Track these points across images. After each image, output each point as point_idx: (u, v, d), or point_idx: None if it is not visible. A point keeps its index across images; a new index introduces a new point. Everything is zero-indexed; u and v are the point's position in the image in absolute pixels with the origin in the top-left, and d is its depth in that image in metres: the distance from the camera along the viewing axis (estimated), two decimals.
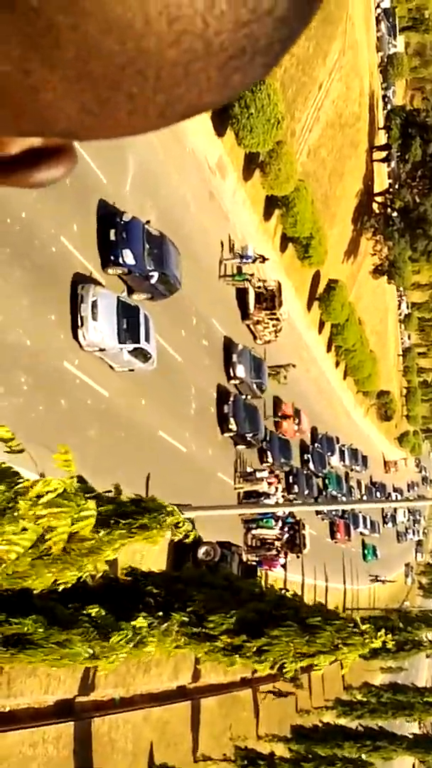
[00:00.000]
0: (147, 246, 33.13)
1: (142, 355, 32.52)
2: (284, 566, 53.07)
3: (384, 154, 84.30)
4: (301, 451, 64.74)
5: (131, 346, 31.64)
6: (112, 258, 31.94)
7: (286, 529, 51.72)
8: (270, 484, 48.80)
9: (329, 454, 73.38)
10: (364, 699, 55.69)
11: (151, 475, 33.31)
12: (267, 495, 48.20)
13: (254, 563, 47.62)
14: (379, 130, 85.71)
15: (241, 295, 49.23)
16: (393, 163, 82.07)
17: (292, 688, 48.70)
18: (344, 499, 77.23)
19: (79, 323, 29.24)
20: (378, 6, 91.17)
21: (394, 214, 79.62)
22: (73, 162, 0.96)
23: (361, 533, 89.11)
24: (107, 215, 31.71)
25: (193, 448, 40.00)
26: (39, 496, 12.50)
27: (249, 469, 48.68)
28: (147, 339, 32.49)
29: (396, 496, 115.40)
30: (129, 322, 31.58)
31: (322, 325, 72.18)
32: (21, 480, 12.72)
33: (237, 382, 46.52)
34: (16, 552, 12.42)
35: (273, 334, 51.82)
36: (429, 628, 64.66)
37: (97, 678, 29.55)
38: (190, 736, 38.21)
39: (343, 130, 71.15)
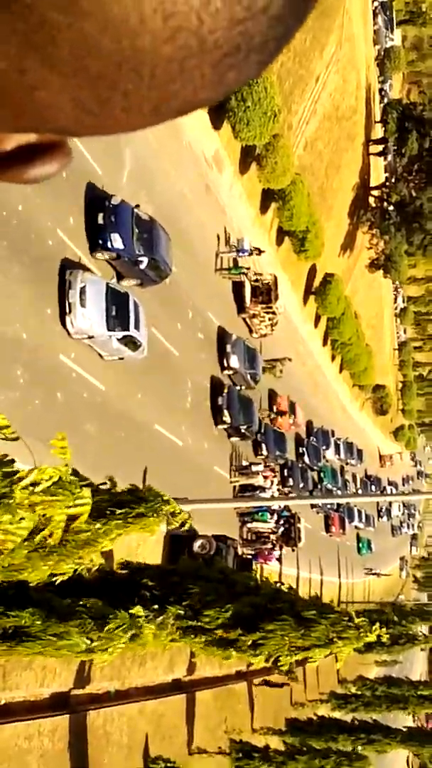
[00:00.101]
0: (136, 230, 32.30)
1: (132, 343, 31.79)
2: (279, 559, 53.15)
3: (380, 147, 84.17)
4: (296, 444, 64.80)
5: (120, 334, 30.89)
6: (100, 242, 31.19)
7: (281, 522, 51.81)
8: (265, 477, 48.84)
9: (324, 447, 73.41)
10: (359, 692, 55.91)
11: (147, 468, 33.33)
12: (262, 488, 48.24)
13: (249, 557, 47.71)
14: (376, 124, 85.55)
15: (237, 288, 49.19)
16: (389, 157, 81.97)
17: (285, 678, 48.80)
18: (339, 492, 77.29)
19: (67, 310, 28.56)
20: None
21: (391, 207, 79.55)
22: (68, 158, 0.96)
23: (356, 527, 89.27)
24: (96, 199, 31.10)
25: (189, 442, 40.03)
26: (34, 485, 12.51)
27: (245, 463, 48.70)
28: (137, 327, 31.75)
29: (391, 489, 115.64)
30: (118, 309, 30.87)
31: (318, 318, 72.16)
32: (16, 471, 12.74)
33: (231, 372, 46.25)
34: (13, 542, 12.41)
35: (269, 328, 51.79)
36: (423, 621, 64.87)
37: (93, 671, 29.60)
38: (185, 729, 38.29)
39: (339, 123, 71.04)
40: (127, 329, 31.09)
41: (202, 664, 39.82)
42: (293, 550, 54.97)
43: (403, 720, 59.30)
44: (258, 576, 38.56)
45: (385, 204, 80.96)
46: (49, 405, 27.18)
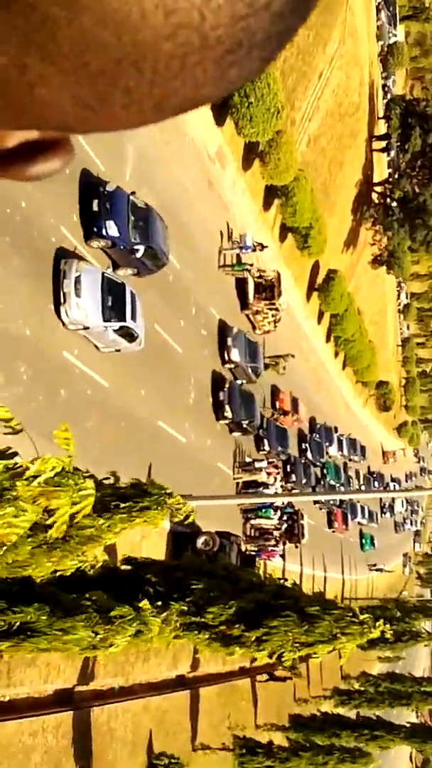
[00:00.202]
0: (132, 218, 31.43)
1: (129, 335, 30.96)
2: (283, 556, 53.16)
3: (384, 143, 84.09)
4: (299, 440, 64.75)
5: (117, 325, 30.04)
6: (95, 230, 30.23)
7: (284, 519, 51.80)
8: (269, 474, 48.82)
9: (327, 444, 73.39)
10: (362, 688, 55.92)
11: (151, 465, 33.31)
12: (266, 485, 48.23)
13: (253, 553, 47.71)
14: (379, 120, 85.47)
15: (241, 285, 49.15)
16: (392, 153, 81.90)
17: (288, 673, 48.84)
18: (342, 489, 77.29)
19: (62, 300, 27.80)
20: None
21: (394, 204, 79.46)
22: (70, 155, 0.96)
23: (359, 523, 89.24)
24: (90, 185, 30.36)
25: (192, 438, 40.02)
26: (36, 476, 12.51)
27: (248, 459, 48.68)
28: (133, 317, 30.91)
29: (394, 486, 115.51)
30: (114, 300, 29.98)
31: (321, 315, 72.12)
32: (19, 464, 12.74)
33: (232, 366, 45.90)
34: (16, 534, 12.41)
35: (272, 324, 51.74)
36: (426, 617, 64.95)
37: (96, 667, 29.64)
38: (189, 725, 38.32)
39: (342, 119, 70.96)
40: (124, 320, 30.30)
41: (206, 661, 39.84)
42: (296, 547, 54.97)
43: (406, 716, 59.37)
44: (261, 572, 38.59)
45: (388, 200, 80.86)
46: (52, 401, 27.18)
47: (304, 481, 60.51)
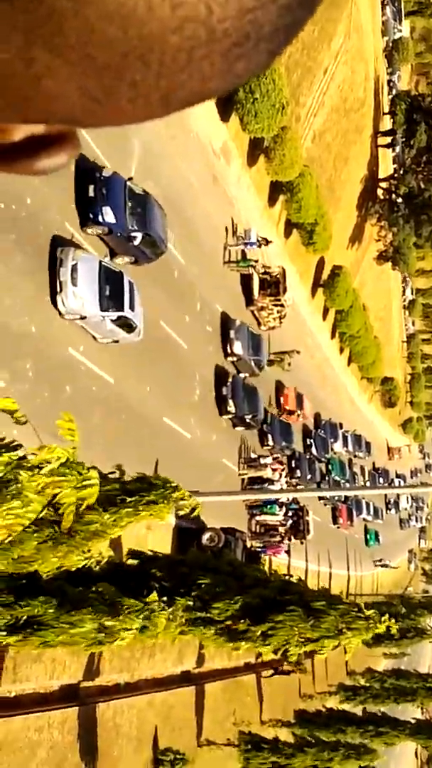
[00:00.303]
0: (129, 204, 30.60)
1: (127, 325, 30.19)
2: (288, 552, 53.18)
3: (389, 139, 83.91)
4: (304, 435, 64.70)
5: (114, 315, 29.28)
6: (90, 216, 29.43)
7: (290, 515, 51.81)
8: (274, 470, 48.81)
9: (332, 440, 73.37)
10: (367, 684, 55.93)
11: (156, 461, 33.34)
12: (271, 481, 48.23)
13: (258, 549, 47.73)
14: (384, 116, 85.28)
15: (246, 281, 49.10)
16: (398, 149, 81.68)
17: (292, 666, 48.87)
18: (347, 485, 77.29)
19: (58, 288, 27.16)
20: None
21: (399, 199, 79.33)
22: (76, 149, 0.95)
23: (364, 519, 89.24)
24: (86, 170, 29.75)
25: (197, 434, 40.03)
26: (40, 467, 12.51)
27: (253, 455, 48.67)
28: (132, 307, 30.09)
29: (399, 482, 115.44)
30: (112, 289, 29.18)
31: (326, 311, 72.07)
32: (23, 455, 12.76)
33: (234, 359, 45.60)
34: (21, 524, 12.40)
35: (277, 321, 51.68)
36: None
37: (102, 663, 29.69)
38: (195, 721, 38.37)
39: (348, 115, 70.83)
40: (122, 310, 29.54)
41: (211, 656, 39.89)
42: (302, 543, 54.98)
43: (411, 712, 59.39)
44: (267, 569, 38.60)
45: (394, 196, 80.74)
46: (57, 398, 27.18)
47: (308, 476, 60.47)
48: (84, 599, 16.10)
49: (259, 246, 47.13)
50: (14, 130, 0.90)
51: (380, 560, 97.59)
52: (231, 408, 43.90)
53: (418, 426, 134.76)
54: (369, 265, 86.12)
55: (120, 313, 29.56)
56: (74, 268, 27.29)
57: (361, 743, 41.27)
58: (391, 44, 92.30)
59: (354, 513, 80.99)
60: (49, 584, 15.61)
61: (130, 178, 31.38)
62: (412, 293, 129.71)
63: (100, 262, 29.20)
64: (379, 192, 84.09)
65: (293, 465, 57.68)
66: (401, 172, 79.95)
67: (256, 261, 48.08)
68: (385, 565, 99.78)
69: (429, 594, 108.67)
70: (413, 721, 46.75)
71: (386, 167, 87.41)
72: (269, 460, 48.93)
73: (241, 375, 46.56)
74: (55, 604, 15.53)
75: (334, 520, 74.96)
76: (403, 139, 76.97)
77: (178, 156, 38.97)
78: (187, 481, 30.64)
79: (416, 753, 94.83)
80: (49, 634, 15.52)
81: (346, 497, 78.29)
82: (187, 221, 39.37)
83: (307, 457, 62.81)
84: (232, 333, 44.79)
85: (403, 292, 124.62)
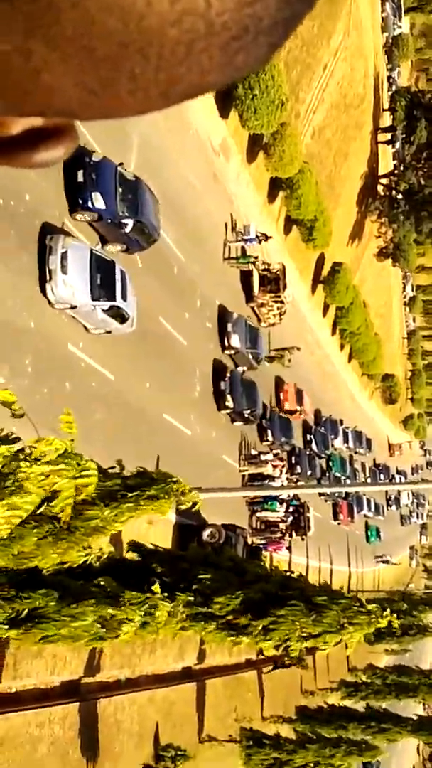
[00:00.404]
0: (119, 190, 29.78)
1: (119, 315, 29.41)
2: (289, 548, 53.17)
3: (389, 135, 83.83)
4: (304, 431, 64.67)
5: (106, 304, 28.45)
6: (80, 202, 28.62)
7: (290, 511, 51.80)
8: (275, 467, 48.80)
9: (333, 436, 73.34)
10: (369, 680, 55.98)
11: (156, 457, 33.32)
12: (272, 478, 48.21)
13: (259, 546, 47.73)
14: (384, 112, 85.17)
15: (246, 277, 49.04)
16: (398, 145, 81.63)
17: (293, 661, 48.80)
18: (348, 481, 77.28)
19: (47, 277, 26.40)
20: None
21: (399, 196, 79.29)
22: (75, 142, 0.95)
23: (365, 516, 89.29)
24: (75, 155, 28.36)
25: (197, 431, 40.02)
26: (38, 459, 12.50)
27: (253, 452, 48.65)
28: (124, 297, 29.31)
29: (400, 478, 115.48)
30: (103, 278, 28.36)
31: (326, 307, 72.03)
32: (21, 447, 12.75)
33: (232, 352, 45.17)
34: (20, 516, 12.38)
35: (277, 317, 51.64)
36: None
37: (103, 659, 29.70)
38: (196, 717, 38.38)
39: (347, 111, 70.75)
40: (113, 299, 28.73)
41: (212, 653, 39.90)
42: (303, 539, 54.97)
43: (413, 708, 59.37)
44: (268, 565, 38.61)
45: (394, 192, 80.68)
46: (57, 394, 27.15)
47: (309, 472, 60.44)
48: (86, 592, 16.10)
49: (259, 242, 47.09)
50: (12, 124, 0.89)
51: (381, 556, 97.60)
52: (229, 403, 43.48)
53: (418, 422, 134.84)
54: (369, 261, 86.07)
55: (112, 303, 28.79)
56: (64, 256, 26.58)
57: (362, 740, 41.26)
58: (390, 40, 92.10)
59: (355, 509, 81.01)
60: (51, 578, 15.61)
61: (121, 164, 30.61)
62: (412, 290, 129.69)
63: (91, 250, 28.50)
64: (379, 188, 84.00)
65: (293, 461, 57.63)
66: (401, 168, 79.91)
67: (256, 257, 48.03)
68: (386, 561, 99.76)
69: (430, 590, 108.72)
70: (415, 718, 46.75)
71: (386, 163, 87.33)
72: (270, 456, 48.92)
73: (239, 369, 46.21)
74: (57, 597, 15.53)
75: (335, 517, 74.98)
76: (403, 136, 76.92)
77: (178, 153, 38.92)
78: (187, 478, 30.61)
79: (418, 749, 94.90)
80: (50, 627, 15.52)
81: (347, 494, 78.29)
82: (186, 218, 39.36)
83: (308, 453, 62.77)
84: (229, 326, 44.42)
85: (404, 288, 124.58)
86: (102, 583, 16.31)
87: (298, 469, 58.12)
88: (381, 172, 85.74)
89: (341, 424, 78.90)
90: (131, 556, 19.22)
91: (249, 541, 44.95)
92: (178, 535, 36.44)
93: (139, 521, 20.57)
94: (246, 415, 46.08)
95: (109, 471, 14.69)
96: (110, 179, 29.52)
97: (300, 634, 17.82)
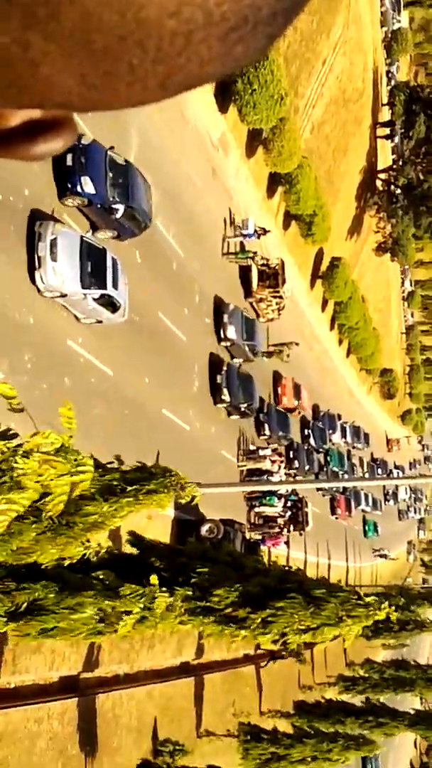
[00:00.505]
0: (110, 174, 29.08)
1: (111, 304, 28.71)
2: (287, 543, 53.24)
3: (388, 130, 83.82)
4: (302, 426, 64.69)
5: (97, 293, 27.76)
6: (69, 186, 27.83)
7: (288, 506, 51.85)
8: (273, 462, 48.83)
9: (331, 431, 73.35)
10: (367, 675, 56.04)
11: (155, 453, 33.33)
12: (270, 473, 48.24)
13: (257, 541, 47.77)
14: (383, 107, 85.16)
15: (244, 272, 49.01)
16: (397, 140, 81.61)
17: (289, 653, 48.91)
18: (346, 476, 77.35)
19: (36, 264, 25.72)
20: None
21: (398, 191, 79.28)
22: (73, 134, 0.95)
23: (362, 510, 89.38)
24: None
25: (196, 426, 40.03)
26: (31, 451, 12.49)
27: (252, 447, 48.66)
28: (115, 285, 28.61)
29: (398, 473, 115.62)
30: (94, 265, 27.65)
31: (325, 302, 72.04)
32: (19, 444, 12.75)
33: (228, 344, 44.79)
34: (16, 510, 12.37)
35: (276, 312, 51.61)
36: (431, 605, 64.98)
37: (102, 654, 29.74)
38: (194, 712, 38.46)
39: (346, 106, 70.69)
40: (105, 288, 28.03)
41: (210, 648, 39.97)
42: (301, 534, 55.04)
43: (410, 702, 59.52)
44: (266, 559, 38.64)
45: (393, 187, 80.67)
46: (56, 390, 27.14)
47: (306, 467, 60.44)
48: (85, 585, 16.13)
49: (258, 236, 47.05)
50: (10, 116, 0.89)
51: (379, 550, 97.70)
52: (225, 396, 43.05)
53: (417, 417, 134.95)
54: (368, 256, 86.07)
55: (102, 291, 28.09)
56: (53, 243, 25.95)
57: (360, 734, 41.34)
58: (390, 35, 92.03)
59: (352, 504, 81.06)
60: (50, 571, 15.63)
61: (111, 147, 29.81)
62: (411, 284, 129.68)
63: (82, 237, 27.84)
64: (378, 183, 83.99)
65: (291, 455, 57.62)
66: (400, 163, 79.90)
67: (255, 252, 48.00)
68: (384, 555, 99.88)
69: (428, 585, 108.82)
70: (412, 712, 46.85)
71: (385, 158, 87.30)
72: (268, 452, 48.94)
73: (236, 361, 45.86)
74: (56, 589, 15.56)
75: (333, 511, 75.04)
76: (402, 130, 76.91)
77: (177, 148, 38.84)
78: (186, 473, 30.66)
79: (415, 743, 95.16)
80: (49, 620, 15.54)
81: (345, 488, 78.36)
82: (185, 213, 39.33)
83: (306, 448, 62.77)
84: (225, 317, 44.02)
85: (402, 283, 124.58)
86: (101, 576, 16.35)
87: (296, 463, 58.12)
88: (380, 166, 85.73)
89: (339, 418, 78.94)
90: (130, 550, 19.25)
91: (247, 536, 44.99)
92: (177, 530, 36.48)
93: (138, 516, 20.58)
94: (243, 409, 45.75)
95: (108, 466, 14.69)
96: (100, 163, 28.81)
97: (298, 626, 17.85)
